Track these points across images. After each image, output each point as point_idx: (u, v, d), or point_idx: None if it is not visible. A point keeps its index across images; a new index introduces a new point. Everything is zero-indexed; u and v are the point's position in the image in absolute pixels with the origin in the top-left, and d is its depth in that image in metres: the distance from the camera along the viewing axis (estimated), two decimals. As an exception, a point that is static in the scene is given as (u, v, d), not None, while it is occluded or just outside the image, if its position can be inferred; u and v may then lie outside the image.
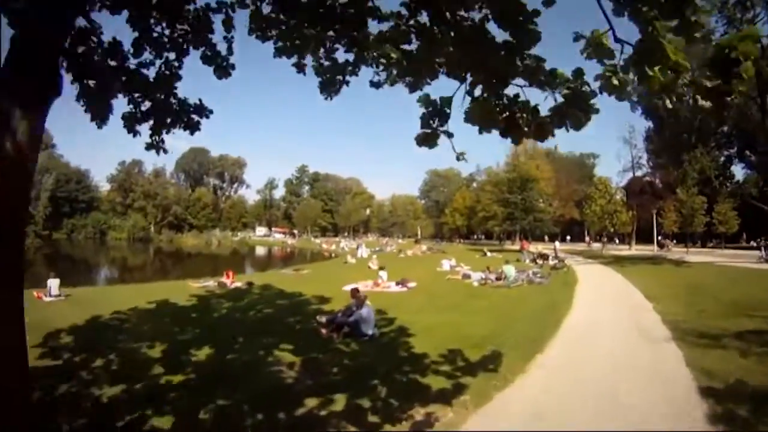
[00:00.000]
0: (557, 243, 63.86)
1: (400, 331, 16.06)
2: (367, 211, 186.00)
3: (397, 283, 29.83)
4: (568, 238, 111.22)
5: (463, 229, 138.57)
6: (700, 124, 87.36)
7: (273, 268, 59.68)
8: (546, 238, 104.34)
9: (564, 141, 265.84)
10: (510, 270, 32.01)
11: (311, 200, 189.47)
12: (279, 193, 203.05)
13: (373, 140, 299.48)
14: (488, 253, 62.76)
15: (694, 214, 65.49)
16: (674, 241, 79.93)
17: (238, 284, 30.49)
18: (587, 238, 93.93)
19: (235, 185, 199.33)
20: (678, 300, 22.75)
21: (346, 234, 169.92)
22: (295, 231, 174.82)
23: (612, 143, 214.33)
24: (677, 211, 72.48)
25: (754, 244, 73.31)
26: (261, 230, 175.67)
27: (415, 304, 22.99)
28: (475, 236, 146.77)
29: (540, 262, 45.14)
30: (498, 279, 31.04)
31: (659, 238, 72.83)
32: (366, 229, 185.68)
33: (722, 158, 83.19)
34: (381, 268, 33.22)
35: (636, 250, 75.51)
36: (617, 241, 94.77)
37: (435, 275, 37.49)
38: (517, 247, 69.79)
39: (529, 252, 55.92)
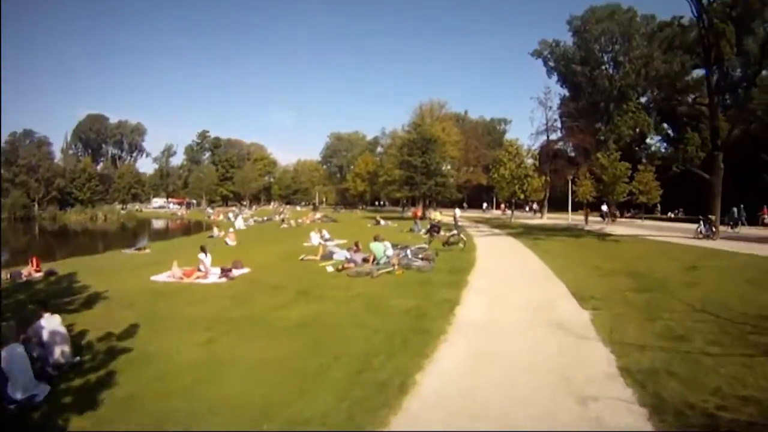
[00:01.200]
0: (458, 210, 54.40)
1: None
2: (267, 178, 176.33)
3: (224, 271, 21.60)
4: (485, 205, 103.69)
5: (367, 195, 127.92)
6: (618, 94, 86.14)
7: (144, 242, 49.42)
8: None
9: (475, 106, 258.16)
10: (378, 248, 23.28)
11: (206, 167, 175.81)
12: (180, 160, 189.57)
13: (279, 103, 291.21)
14: (381, 222, 56.30)
15: (616, 181, 56.14)
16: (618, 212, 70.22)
17: (39, 275, 23.32)
18: (502, 206, 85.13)
19: (135, 154, 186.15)
20: (635, 308, 13.62)
21: (244, 203, 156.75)
22: (193, 201, 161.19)
23: (526, 110, 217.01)
24: (596, 178, 65.65)
25: (672, 216, 69.43)
26: (158, 201, 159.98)
27: (189, 315, 14.66)
28: (380, 203, 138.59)
29: (433, 234, 34.96)
30: (366, 261, 22.81)
31: (604, 208, 63.41)
32: (268, 197, 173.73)
33: (637, 129, 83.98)
34: (202, 250, 22.98)
35: (548, 218, 67.97)
36: (528, 209, 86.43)
37: (288, 255, 28.53)
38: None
39: (425, 221, 48.18)
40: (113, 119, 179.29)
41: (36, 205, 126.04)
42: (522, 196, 59.60)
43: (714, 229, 32.70)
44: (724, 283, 16.59)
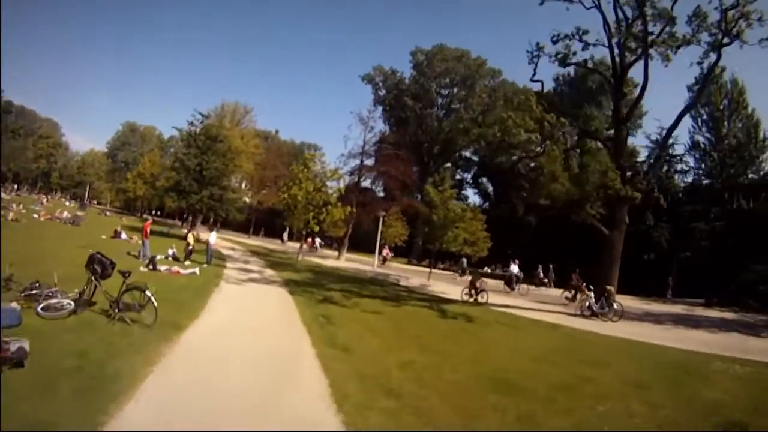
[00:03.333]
0: (213, 235, 34.65)
1: None
2: (48, 162, 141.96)
3: None
4: (285, 236, 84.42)
5: (154, 202, 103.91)
6: (446, 138, 77.70)
7: None
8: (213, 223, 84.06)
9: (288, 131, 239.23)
10: None
11: None
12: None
13: (94, 83, 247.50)
14: (123, 235, 41.07)
15: (449, 225, 41.30)
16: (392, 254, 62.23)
17: None
18: (308, 240, 65.17)
19: None
20: None
21: (16, 187, 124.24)
22: None
23: (339, 143, 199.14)
24: (410, 219, 57.87)
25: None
26: None
27: None
28: (159, 213, 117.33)
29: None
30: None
31: (384, 248, 55.64)
32: (48, 185, 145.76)
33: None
34: None
35: (346, 260, 54.15)
36: (324, 245, 69.96)
37: None
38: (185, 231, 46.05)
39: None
40: None
41: None
42: (316, 229, 43.75)
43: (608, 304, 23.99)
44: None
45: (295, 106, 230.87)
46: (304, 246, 54.68)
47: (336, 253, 58.98)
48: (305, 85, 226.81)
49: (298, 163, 44.75)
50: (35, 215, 48.56)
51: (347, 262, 52.18)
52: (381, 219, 51.14)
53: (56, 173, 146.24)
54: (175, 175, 53.99)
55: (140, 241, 37.22)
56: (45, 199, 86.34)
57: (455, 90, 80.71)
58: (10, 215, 40.64)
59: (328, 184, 44.99)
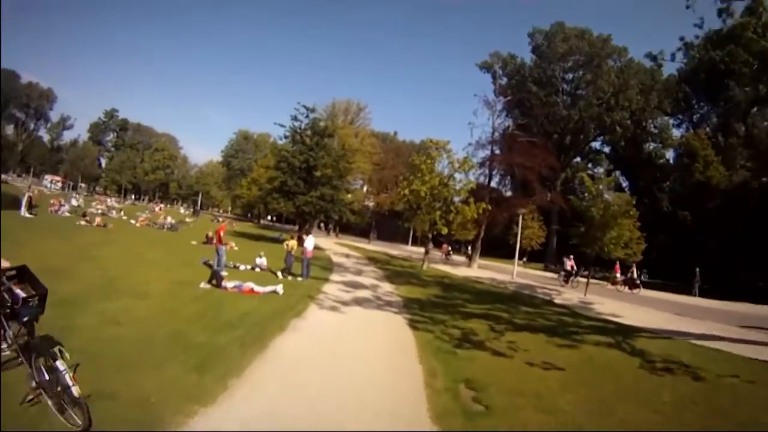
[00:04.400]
0: (309, 240, 24.47)
1: None
2: (165, 173, 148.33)
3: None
4: (417, 241, 78.77)
5: (270, 206, 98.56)
6: (576, 128, 72.34)
7: None
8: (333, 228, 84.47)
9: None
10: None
11: (85, 146, 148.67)
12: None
13: (211, 100, 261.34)
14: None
15: (609, 224, 31.06)
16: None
17: None
18: (444, 246, 56.85)
19: (40, 121, 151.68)
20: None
21: (137, 196, 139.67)
22: (82, 185, 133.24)
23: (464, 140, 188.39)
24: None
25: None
26: (52, 179, 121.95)
27: None
28: (274, 218, 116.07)
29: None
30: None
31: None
32: (166, 195, 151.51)
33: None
34: None
35: (479, 269, 45.25)
36: (452, 251, 61.36)
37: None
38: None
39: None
40: (26, 79, 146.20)
41: None
42: (444, 230, 35.42)
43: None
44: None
45: (409, 107, 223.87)
46: (440, 252, 46.81)
47: (464, 259, 50.66)
48: (416, 84, 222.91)
49: (420, 153, 37.00)
50: (132, 221, 45.75)
51: (480, 269, 43.82)
52: (520, 218, 42.66)
53: (174, 183, 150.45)
54: (280, 175, 47.43)
55: (235, 248, 33.01)
56: (158, 207, 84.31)
57: (580, 72, 71.69)
58: (97, 220, 37.93)
59: (456, 176, 37.07)
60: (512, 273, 38.90)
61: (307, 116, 48.02)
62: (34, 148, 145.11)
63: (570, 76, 73.19)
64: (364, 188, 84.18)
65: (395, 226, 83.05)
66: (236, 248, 33.42)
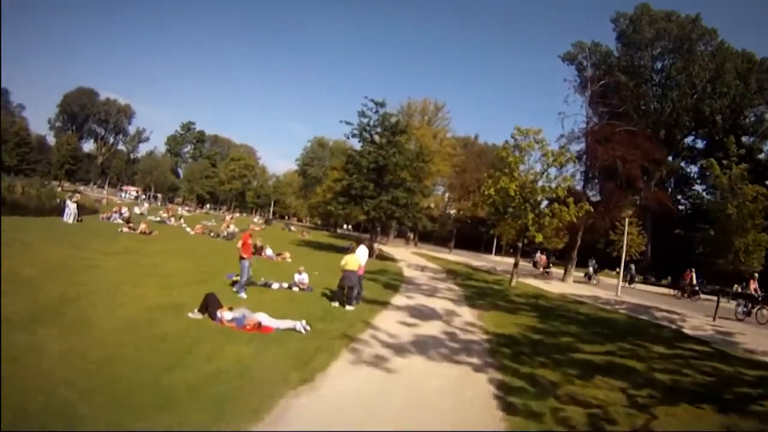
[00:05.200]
0: (362, 251, 18.21)
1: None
2: (241, 182, 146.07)
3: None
4: (502, 250, 75.55)
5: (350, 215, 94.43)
6: (669, 120, 64.92)
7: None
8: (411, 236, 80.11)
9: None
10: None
11: (159, 157, 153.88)
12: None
13: (289, 112, 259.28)
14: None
15: (745, 225, 23.45)
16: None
17: None
18: (540, 257, 48.08)
19: (119, 136, 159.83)
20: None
21: (214, 206, 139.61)
22: (157, 195, 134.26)
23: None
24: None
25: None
26: (127, 190, 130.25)
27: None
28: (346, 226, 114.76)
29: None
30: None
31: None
32: (240, 203, 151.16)
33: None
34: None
35: (575, 283, 39.00)
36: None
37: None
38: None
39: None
40: (104, 96, 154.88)
41: None
42: (539, 238, 28.57)
43: None
44: None
45: (488, 107, 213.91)
46: (529, 263, 40.86)
47: (548, 271, 43.55)
48: (495, 81, 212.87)
49: (507, 146, 30.52)
50: (188, 229, 43.19)
51: (576, 285, 37.27)
52: (626, 221, 36.11)
53: (251, 193, 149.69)
54: (346, 177, 42.03)
55: (288, 259, 29.43)
56: (229, 216, 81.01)
57: (671, 59, 64.42)
58: (141, 227, 34.28)
59: (551, 171, 30.57)
60: (616, 289, 31.84)
61: (376, 111, 41.97)
62: (113, 160, 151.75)
63: (659, 64, 66.17)
64: (446, 195, 78.53)
65: (478, 234, 77.95)
66: (289, 260, 29.12)
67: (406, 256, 50.02)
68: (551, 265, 45.28)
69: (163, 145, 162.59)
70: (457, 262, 49.11)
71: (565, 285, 36.24)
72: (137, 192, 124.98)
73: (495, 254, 73.62)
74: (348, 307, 15.80)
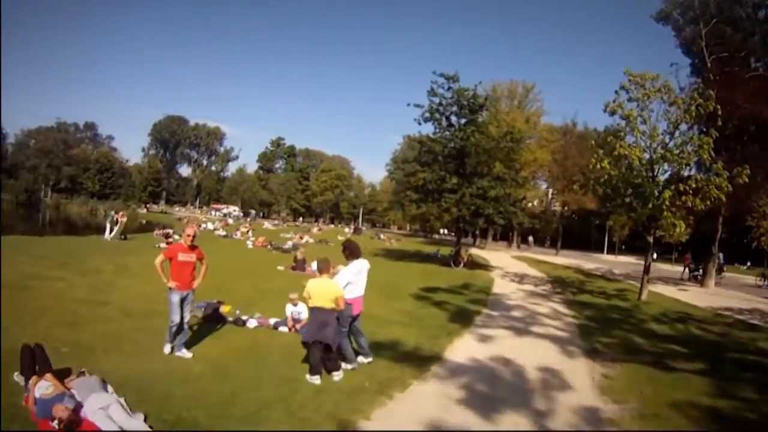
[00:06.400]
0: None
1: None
2: (334, 193, 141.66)
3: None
4: (615, 248, 66.73)
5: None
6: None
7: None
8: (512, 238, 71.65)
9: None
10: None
11: (247, 174, 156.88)
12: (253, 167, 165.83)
13: (368, 119, 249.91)
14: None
15: None
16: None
17: None
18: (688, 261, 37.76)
19: (213, 158, 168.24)
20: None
21: (310, 218, 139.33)
22: (251, 211, 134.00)
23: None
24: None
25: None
26: (232, 208, 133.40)
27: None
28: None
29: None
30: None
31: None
32: (336, 214, 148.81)
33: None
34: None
35: (717, 287, 30.85)
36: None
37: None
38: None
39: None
40: (193, 122, 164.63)
41: (49, 192, 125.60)
42: (680, 227, 19.49)
43: None
44: None
45: (580, 90, 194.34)
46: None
47: (698, 274, 33.73)
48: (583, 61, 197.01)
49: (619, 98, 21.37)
50: (249, 243, 39.64)
51: (721, 291, 28.00)
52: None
53: (345, 203, 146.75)
54: (418, 168, 34.50)
55: (337, 272, 19.98)
56: (315, 228, 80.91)
57: None
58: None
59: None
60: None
61: (449, 88, 33.14)
62: (206, 181, 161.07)
63: (762, 13, 53.89)
64: (549, 191, 69.05)
65: (586, 230, 71.64)
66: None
67: (505, 261, 42.21)
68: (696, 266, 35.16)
69: (255, 163, 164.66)
70: (566, 266, 40.21)
71: (707, 293, 27.06)
72: (226, 209, 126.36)
73: (607, 253, 64.52)
74: (335, 376, 8.33)
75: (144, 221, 66.37)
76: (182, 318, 9.09)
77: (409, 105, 33.82)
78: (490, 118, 42.80)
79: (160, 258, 9.22)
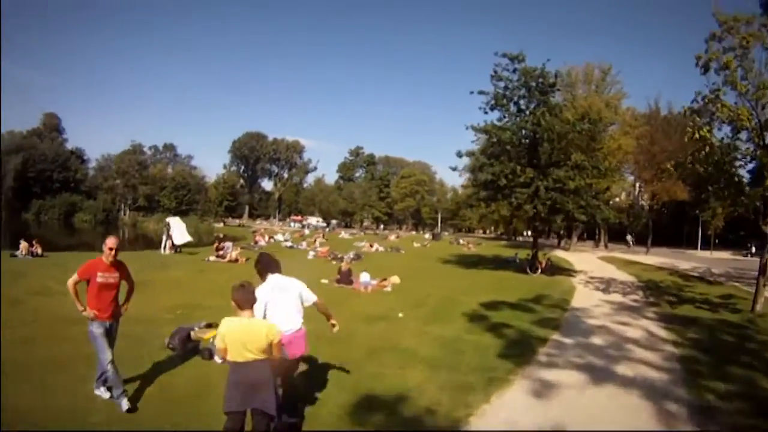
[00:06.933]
0: None
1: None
2: (414, 199, 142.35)
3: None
4: (709, 243, 60.57)
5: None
6: None
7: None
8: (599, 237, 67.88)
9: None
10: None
11: (323, 184, 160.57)
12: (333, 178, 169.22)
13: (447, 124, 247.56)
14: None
15: None
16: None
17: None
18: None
19: (293, 171, 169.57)
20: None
21: (382, 226, 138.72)
22: (328, 221, 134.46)
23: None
24: None
25: None
26: (311, 219, 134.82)
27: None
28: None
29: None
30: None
31: None
32: (418, 221, 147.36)
33: None
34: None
35: None
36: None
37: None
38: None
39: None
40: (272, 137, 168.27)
41: (127, 211, 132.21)
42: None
43: None
44: None
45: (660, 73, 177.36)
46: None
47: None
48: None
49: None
50: (311, 254, 38.08)
51: None
52: None
53: (426, 208, 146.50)
54: (485, 163, 30.49)
55: (388, 287, 20.42)
56: (394, 236, 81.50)
57: None
58: (232, 255, 29.67)
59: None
60: None
61: (514, 70, 29.29)
62: (286, 193, 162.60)
63: None
64: (636, 185, 64.67)
65: (677, 225, 67.12)
66: (389, 288, 20.04)
67: (591, 264, 37.76)
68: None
69: (335, 173, 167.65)
70: (658, 266, 35.37)
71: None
72: (305, 220, 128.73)
73: (701, 249, 58.08)
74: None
75: (221, 234, 66.31)
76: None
77: (472, 93, 30.12)
78: (567, 105, 38.81)
79: (73, 278, 6.89)
